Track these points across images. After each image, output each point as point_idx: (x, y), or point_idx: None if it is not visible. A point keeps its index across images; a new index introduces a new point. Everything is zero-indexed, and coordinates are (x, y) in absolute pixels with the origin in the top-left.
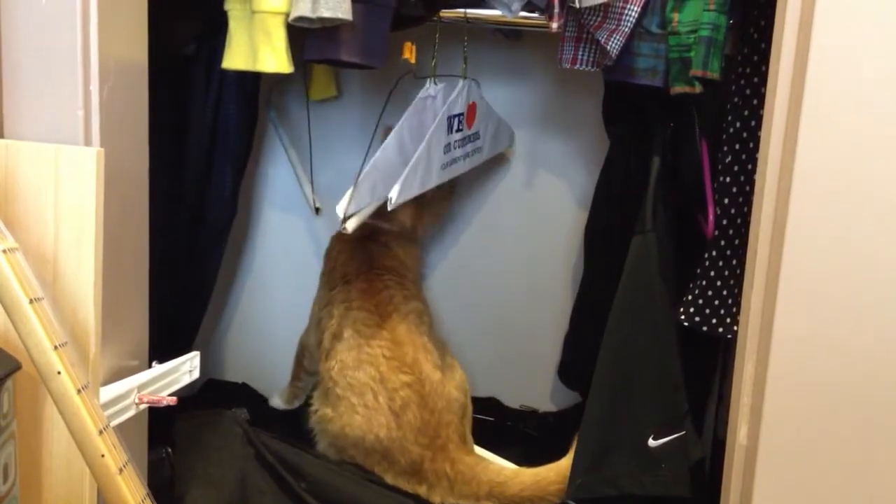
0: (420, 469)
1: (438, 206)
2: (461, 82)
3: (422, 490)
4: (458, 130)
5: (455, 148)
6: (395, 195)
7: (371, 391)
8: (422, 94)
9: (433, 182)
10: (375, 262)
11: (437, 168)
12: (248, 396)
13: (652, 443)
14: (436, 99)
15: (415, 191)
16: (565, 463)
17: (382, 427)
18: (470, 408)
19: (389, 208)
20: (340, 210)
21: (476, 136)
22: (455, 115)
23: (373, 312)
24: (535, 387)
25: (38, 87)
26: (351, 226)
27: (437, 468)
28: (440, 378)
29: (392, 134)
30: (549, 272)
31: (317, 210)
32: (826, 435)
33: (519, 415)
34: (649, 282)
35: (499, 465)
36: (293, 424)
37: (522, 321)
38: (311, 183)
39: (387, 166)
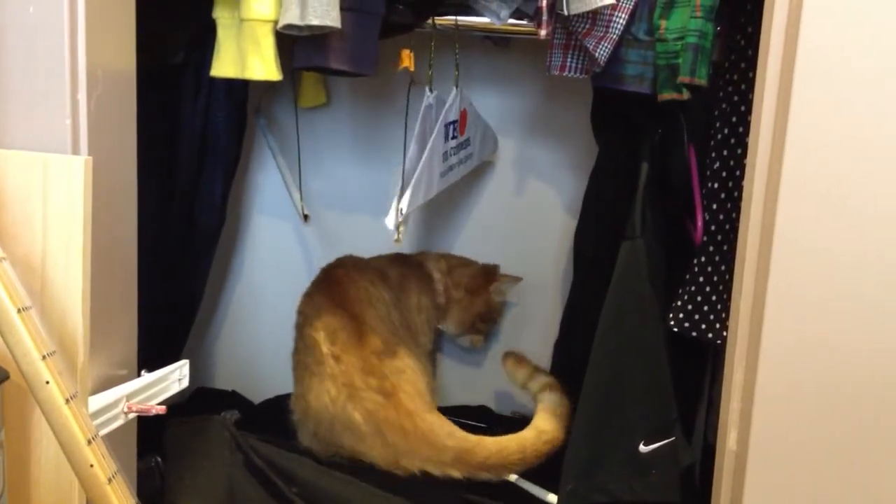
0: (377, 423)
1: (487, 310)
2: (454, 90)
3: (388, 454)
4: (454, 138)
5: (451, 155)
6: (405, 206)
7: (314, 342)
8: (425, 102)
9: (434, 191)
10: (372, 270)
11: (437, 176)
12: (237, 404)
13: (642, 448)
14: (433, 108)
15: (420, 200)
16: (525, 434)
17: (327, 377)
18: (433, 385)
19: (400, 218)
20: (390, 223)
21: (468, 142)
22: (451, 123)
23: (322, 283)
24: (526, 393)
25: (26, 96)
26: (401, 237)
27: (390, 418)
28: (388, 329)
29: (412, 144)
30: (539, 278)
31: (305, 217)
32: (815, 440)
33: (510, 421)
34: (638, 288)
35: (463, 432)
36: (284, 429)
37: (512, 328)
38: (300, 190)
39: (410, 175)
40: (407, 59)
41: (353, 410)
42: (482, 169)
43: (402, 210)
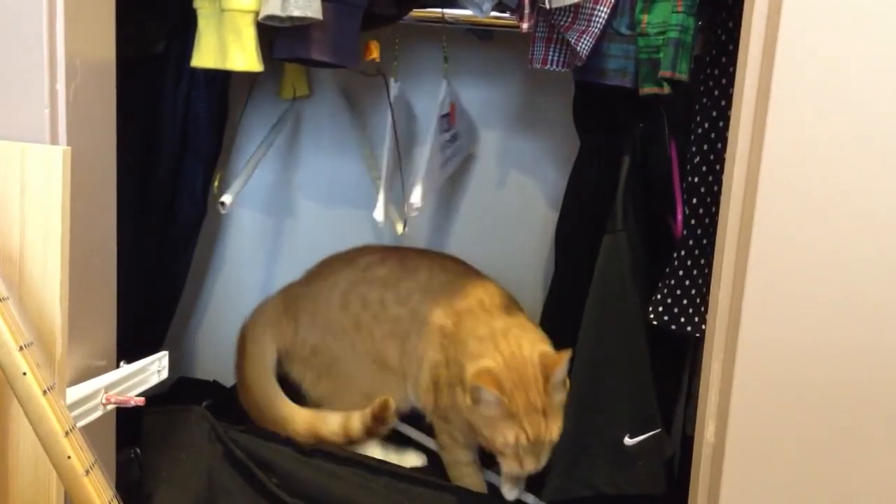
0: None
1: None
2: (444, 83)
3: None
4: (447, 130)
5: (446, 148)
6: (417, 200)
7: None
8: (393, 93)
9: (439, 182)
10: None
11: (438, 168)
12: (218, 394)
13: (628, 441)
14: (400, 99)
15: (428, 192)
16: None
17: None
18: None
19: (413, 214)
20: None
21: (457, 135)
22: (444, 116)
23: None
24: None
25: (4, 85)
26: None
27: None
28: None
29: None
30: (521, 272)
31: (221, 205)
32: (792, 432)
33: None
34: (620, 281)
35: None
36: None
37: None
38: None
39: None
40: (375, 50)
41: None
42: (464, 161)
43: (413, 204)
